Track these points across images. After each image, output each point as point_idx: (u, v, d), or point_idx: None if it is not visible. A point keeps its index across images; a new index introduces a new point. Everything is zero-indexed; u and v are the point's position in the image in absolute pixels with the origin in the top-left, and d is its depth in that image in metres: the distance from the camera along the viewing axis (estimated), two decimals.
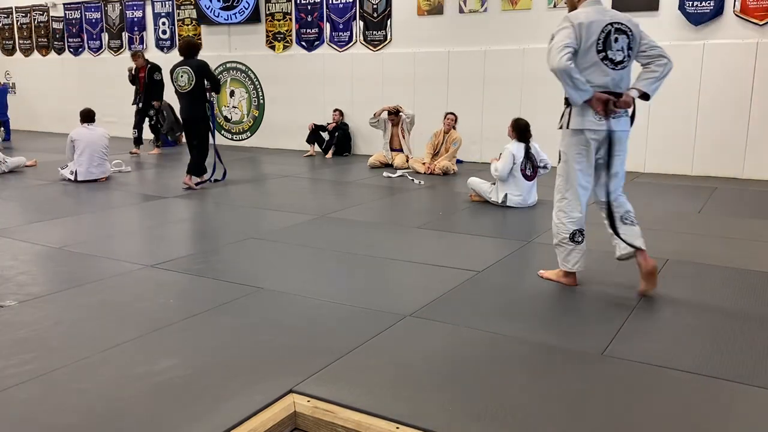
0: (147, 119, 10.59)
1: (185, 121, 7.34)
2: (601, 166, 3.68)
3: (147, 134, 10.78)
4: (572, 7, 3.74)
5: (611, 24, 3.51)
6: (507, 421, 2.30)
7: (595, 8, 3.58)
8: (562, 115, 3.71)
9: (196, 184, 7.20)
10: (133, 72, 10.41)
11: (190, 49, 7.26)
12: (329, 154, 10.08)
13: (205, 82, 7.21)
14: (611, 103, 3.54)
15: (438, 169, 8.23)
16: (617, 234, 3.65)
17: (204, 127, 7.29)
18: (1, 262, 4.33)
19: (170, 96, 9.20)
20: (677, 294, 3.69)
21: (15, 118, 12.91)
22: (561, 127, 3.74)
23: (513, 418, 2.32)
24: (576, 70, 3.43)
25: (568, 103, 3.64)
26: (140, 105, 10.38)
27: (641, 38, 3.63)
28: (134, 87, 10.54)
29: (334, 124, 10.15)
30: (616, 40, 3.52)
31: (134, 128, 10.50)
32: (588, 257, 3.85)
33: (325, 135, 10.29)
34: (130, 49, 12.27)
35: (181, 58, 7.25)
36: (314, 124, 10.26)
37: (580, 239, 3.72)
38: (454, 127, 8.41)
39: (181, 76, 7.11)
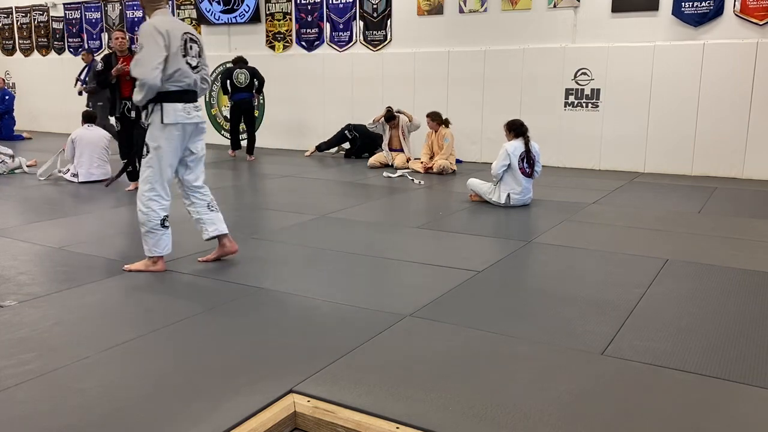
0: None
1: (240, 109, 9.84)
2: (189, 154, 4.15)
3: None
4: (147, 14, 4.15)
5: (186, 33, 4.01)
6: (507, 421, 2.30)
7: (169, 18, 4.07)
8: (151, 112, 3.97)
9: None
10: (112, 64, 6.74)
11: (243, 59, 10.00)
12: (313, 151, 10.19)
13: (255, 81, 9.81)
14: None
15: (435, 168, 8.25)
16: (202, 219, 4.24)
17: (253, 113, 10.04)
18: (1, 262, 4.33)
19: None
20: (677, 294, 3.69)
21: (15, 117, 12.91)
22: (150, 123, 4.00)
23: (513, 417, 2.32)
24: (159, 87, 3.87)
25: (157, 100, 3.94)
26: (124, 115, 6.73)
27: (203, 51, 4.22)
28: (105, 89, 7.00)
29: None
30: (191, 47, 4.04)
31: (125, 158, 6.85)
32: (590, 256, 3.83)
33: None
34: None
35: (232, 65, 9.99)
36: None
37: (167, 224, 4.12)
38: (442, 124, 8.41)
39: (241, 74, 9.79)
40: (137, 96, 3.92)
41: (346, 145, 10.15)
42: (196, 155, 4.19)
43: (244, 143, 10.21)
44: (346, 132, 10.01)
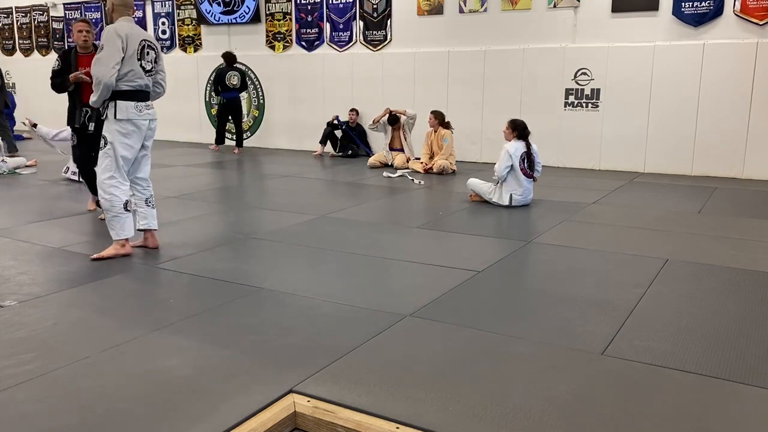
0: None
1: (230, 108, 10.66)
2: (141, 149, 4.51)
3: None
4: (110, 18, 4.55)
5: (144, 40, 4.42)
6: (507, 421, 2.30)
7: (130, 24, 4.46)
8: (106, 107, 4.34)
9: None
10: (71, 64, 5.82)
11: (233, 59, 10.66)
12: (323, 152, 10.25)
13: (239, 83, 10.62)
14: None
15: (435, 168, 8.25)
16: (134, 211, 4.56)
17: (241, 111, 10.92)
18: (1, 262, 4.33)
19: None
20: (677, 294, 3.69)
21: (15, 117, 12.90)
22: (106, 117, 4.35)
23: (513, 418, 2.32)
24: (113, 85, 4.24)
25: (111, 98, 4.30)
26: (84, 126, 5.62)
27: (160, 58, 4.62)
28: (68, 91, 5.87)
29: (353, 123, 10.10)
30: (147, 53, 4.44)
31: (84, 175, 5.94)
32: (579, 255, 3.83)
33: (338, 133, 10.24)
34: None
35: (224, 65, 10.64)
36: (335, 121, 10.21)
37: (130, 207, 4.43)
38: (443, 125, 8.41)
39: (234, 77, 10.54)
40: (93, 97, 4.26)
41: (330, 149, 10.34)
42: (146, 150, 4.58)
43: (230, 142, 10.92)
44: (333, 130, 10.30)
